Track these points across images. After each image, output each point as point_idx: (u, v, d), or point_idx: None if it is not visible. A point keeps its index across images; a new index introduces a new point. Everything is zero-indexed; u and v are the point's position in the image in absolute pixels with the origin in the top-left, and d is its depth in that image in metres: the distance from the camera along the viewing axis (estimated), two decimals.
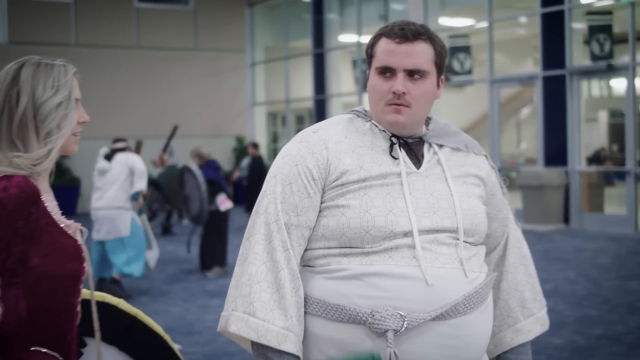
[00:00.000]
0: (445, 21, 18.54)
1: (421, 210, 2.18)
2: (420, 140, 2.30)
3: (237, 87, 22.74)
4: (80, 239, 2.20)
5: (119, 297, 2.54)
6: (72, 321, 2.16)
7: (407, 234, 2.15)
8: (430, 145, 2.30)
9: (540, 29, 15.07)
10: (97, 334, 2.32)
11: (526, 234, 13.58)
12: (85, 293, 2.37)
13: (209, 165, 10.58)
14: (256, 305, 2.12)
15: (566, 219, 14.39)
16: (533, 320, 2.38)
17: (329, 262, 2.17)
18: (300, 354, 2.15)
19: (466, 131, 17.57)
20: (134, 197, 8.98)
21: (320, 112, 20.82)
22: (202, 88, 21.91)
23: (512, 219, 2.41)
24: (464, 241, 2.20)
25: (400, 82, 2.18)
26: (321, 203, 2.20)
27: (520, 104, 22.96)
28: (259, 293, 2.13)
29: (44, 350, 2.09)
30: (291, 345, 2.12)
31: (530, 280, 2.41)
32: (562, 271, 9.94)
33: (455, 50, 16.64)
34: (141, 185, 9.05)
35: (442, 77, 2.29)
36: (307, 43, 21.35)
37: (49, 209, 2.11)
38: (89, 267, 2.22)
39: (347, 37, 20.92)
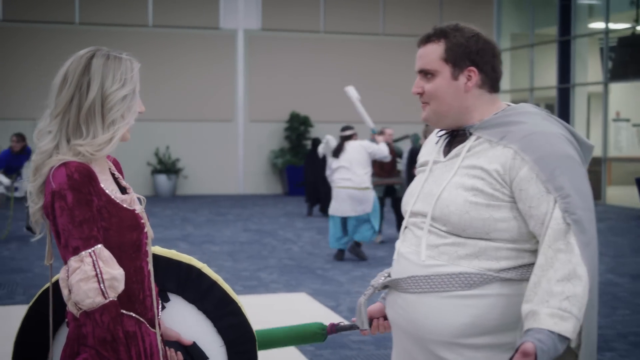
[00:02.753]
0: None
1: (422, 195, 2.45)
2: (466, 132, 2.45)
3: None
4: (138, 208, 2.46)
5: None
6: (142, 281, 2.43)
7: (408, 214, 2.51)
8: (472, 136, 2.44)
9: None
10: (154, 290, 2.52)
11: None
12: (167, 252, 2.67)
13: None
14: None
15: None
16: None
17: None
18: None
19: None
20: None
21: (563, 101, 20.13)
22: None
23: (556, 217, 2.21)
24: (435, 228, 2.37)
25: (415, 84, 2.50)
26: None
27: None
28: None
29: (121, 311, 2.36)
30: None
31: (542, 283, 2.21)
32: None
33: None
34: (381, 150, 10.51)
35: (472, 68, 2.40)
36: (553, 30, 20.70)
37: (105, 187, 2.36)
38: (150, 231, 2.49)
39: (595, 24, 20.01)
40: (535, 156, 2.26)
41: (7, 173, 12.70)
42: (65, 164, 2.27)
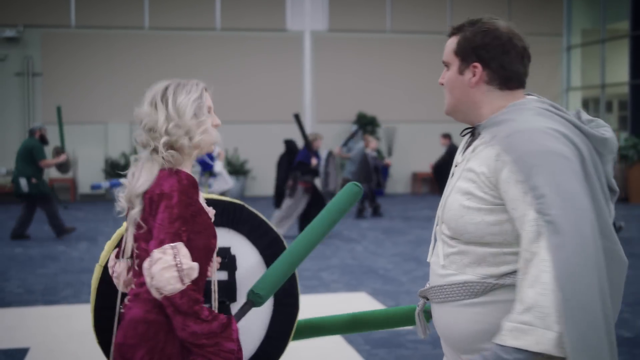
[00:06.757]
0: None
1: (443, 200, 2.44)
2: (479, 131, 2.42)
3: (552, 72, 22.14)
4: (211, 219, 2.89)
5: None
6: (204, 284, 2.84)
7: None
8: (480, 135, 2.39)
9: None
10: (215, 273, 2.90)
11: None
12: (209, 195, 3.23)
13: None
14: None
15: None
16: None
17: None
18: None
19: None
20: None
21: (636, 97, 19.68)
22: None
23: (530, 220, 2.12)
24: (445, 236, 2.39)
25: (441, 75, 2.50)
26: None
27: None
28: None
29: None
30: None
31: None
32: None
33: None
34: None
35: (476, 64, 2.34)
36: (625, 25, 20.25)
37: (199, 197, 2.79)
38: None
39: None
40: (514, 156, 2.17)
41: None
42: (176, 172, 2.72)
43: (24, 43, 19.60)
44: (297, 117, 13.15)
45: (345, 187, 3.21)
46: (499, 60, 2.33)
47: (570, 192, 2.11)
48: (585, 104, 23.44)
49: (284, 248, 3.30)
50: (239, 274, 3.24)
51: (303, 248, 3.12)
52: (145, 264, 2.64)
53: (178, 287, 2.58)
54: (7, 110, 19.57)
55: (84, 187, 19.63)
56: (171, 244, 2.61)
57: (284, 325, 3.39)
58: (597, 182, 2.21)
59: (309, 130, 20.81)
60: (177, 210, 2.63)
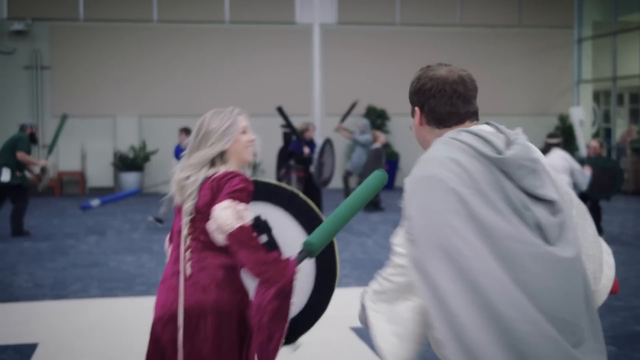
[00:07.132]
0: None
1: None
2: None
3: (562, 65, 21.98)
4: None
5: None
6: None
7: None
8: None
9: None
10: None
11: None
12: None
13: None
14: None
15: None
16: None
17: None
18: None
19: None
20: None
21: None
22: (525, 65, 21.48)
23: (401, 237, 2.40)
24: None
25: None
26: None
27: None
28: None
29: None
30: None
31: None
32: None
33: None
34: (583, 176, 10.78)
35: (416, 108, 2.63)
36: (637, 17, 20.10)
37: None
38: None
39: None
40: (406, 184, 2.45)
41: None
42: (235, 172, 3.41)
43: (32, 36, 19.57)
44: (281, 110, 13.31)
45: (373, 174, 3.47)
46: (428, 104, 2.59)
47: (435, 212, 2.31)
48: (596, 97, 23.32)
49: (303, 201, 3.75)
50: (275, 233, 3.68)
51: (347, 210, 3.36)
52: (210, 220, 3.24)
53: (236, 223, 3.12)
54: (15, 104, 19.54)
55: (93, 181, 19.61)
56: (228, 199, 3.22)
57: (328, 278, 3.81)
58: (499, 198, 2.32)
59: (318, 123, 20.81)
60: (238, 187, 3.27)
